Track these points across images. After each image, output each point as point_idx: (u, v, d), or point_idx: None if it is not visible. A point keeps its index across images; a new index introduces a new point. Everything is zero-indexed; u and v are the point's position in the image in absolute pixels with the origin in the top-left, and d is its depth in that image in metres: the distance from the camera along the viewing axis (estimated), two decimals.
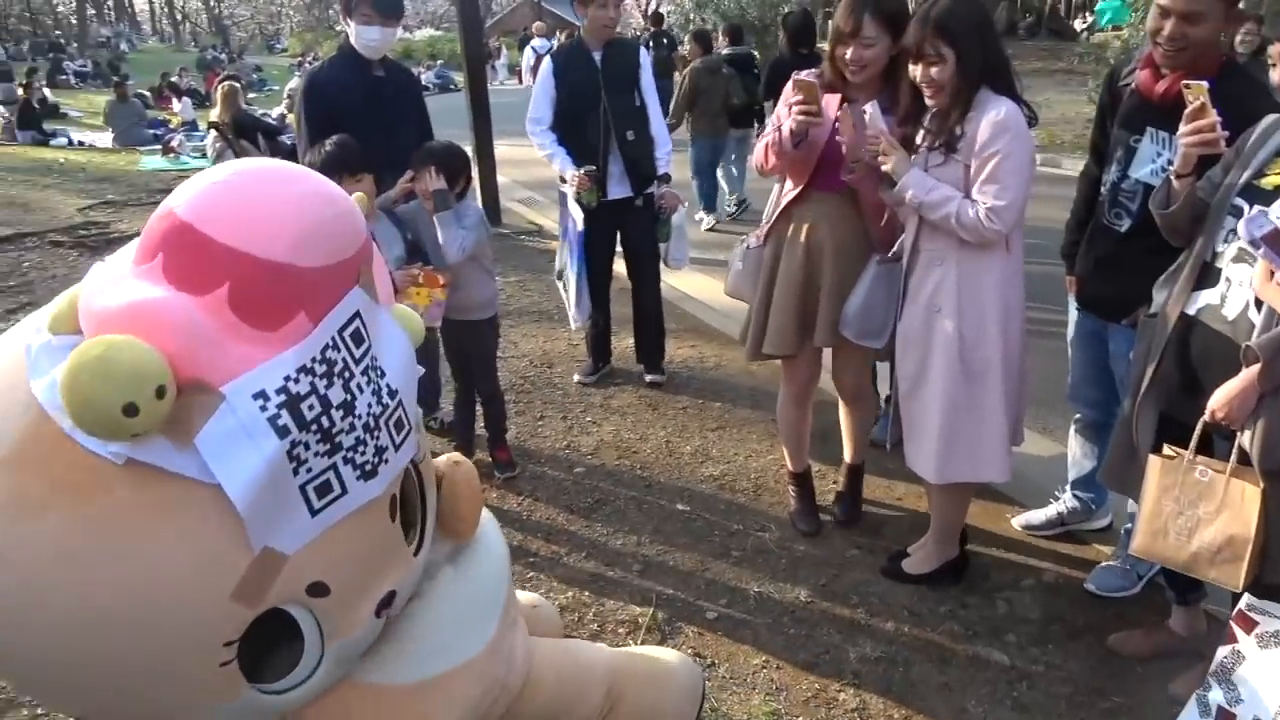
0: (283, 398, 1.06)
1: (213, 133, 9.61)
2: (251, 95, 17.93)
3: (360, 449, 1.16)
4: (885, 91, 2.54)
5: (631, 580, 2.81)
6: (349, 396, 1.13)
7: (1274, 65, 4.79)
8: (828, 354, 2.95)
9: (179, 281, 1.05)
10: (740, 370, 4.27)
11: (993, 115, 2.28)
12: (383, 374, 1.21)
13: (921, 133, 2.47)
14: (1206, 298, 2.02)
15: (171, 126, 14.60)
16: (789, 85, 2.58)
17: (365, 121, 3.23)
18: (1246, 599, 1.11)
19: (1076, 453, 2.93)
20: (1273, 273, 0.91)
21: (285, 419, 1.06)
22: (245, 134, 9.53)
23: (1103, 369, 2.64)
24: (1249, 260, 1.93)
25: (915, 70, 2.35)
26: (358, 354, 1.16)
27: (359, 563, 1.25)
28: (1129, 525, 2.71)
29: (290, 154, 6.65)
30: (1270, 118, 2.05)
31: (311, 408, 1.08)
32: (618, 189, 3.94)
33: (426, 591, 1.44)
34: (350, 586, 1.23)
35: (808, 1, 16.96)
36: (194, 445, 1.02)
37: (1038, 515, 3.05)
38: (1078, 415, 2.87)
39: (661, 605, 2.67)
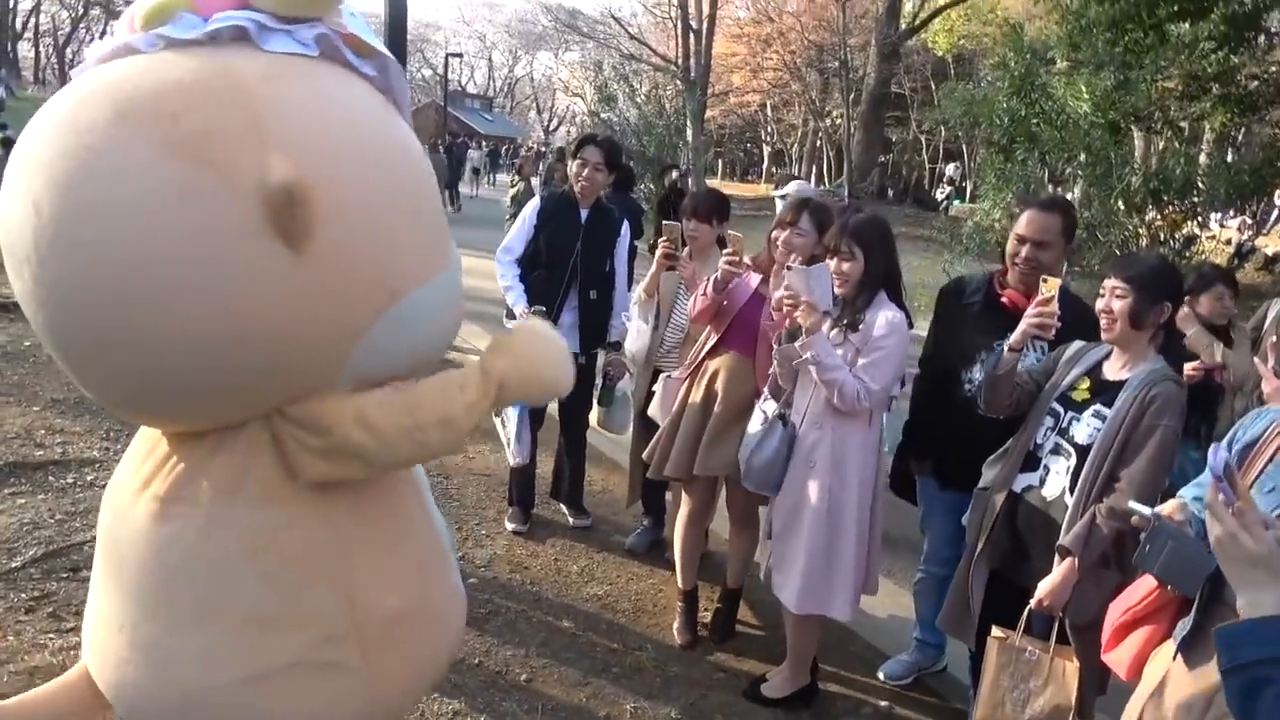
0: None
1: None
2: None
3: None
4: None
5: (519, 689, 3.06)
6: None
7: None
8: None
9: None
10: (624, 496, 4.62)
11: (888, 314, 2.82)
12: None
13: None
14: (1028, 479, 2.55)
15: None
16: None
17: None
18: None
19: (920, 607, 3.37)
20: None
21: None
22: None
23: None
24: (1064, 455, 2.47)
25: (832, 264, 2.88)
26: None
27: None
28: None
29: None
30: (1077, 343, 2.63)
31: None
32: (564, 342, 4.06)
33: None
34: None
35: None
36: None
37: (897, 667, 3.41)
38: (922, 575, 3.32)
39: (546, 715, 2.93)
